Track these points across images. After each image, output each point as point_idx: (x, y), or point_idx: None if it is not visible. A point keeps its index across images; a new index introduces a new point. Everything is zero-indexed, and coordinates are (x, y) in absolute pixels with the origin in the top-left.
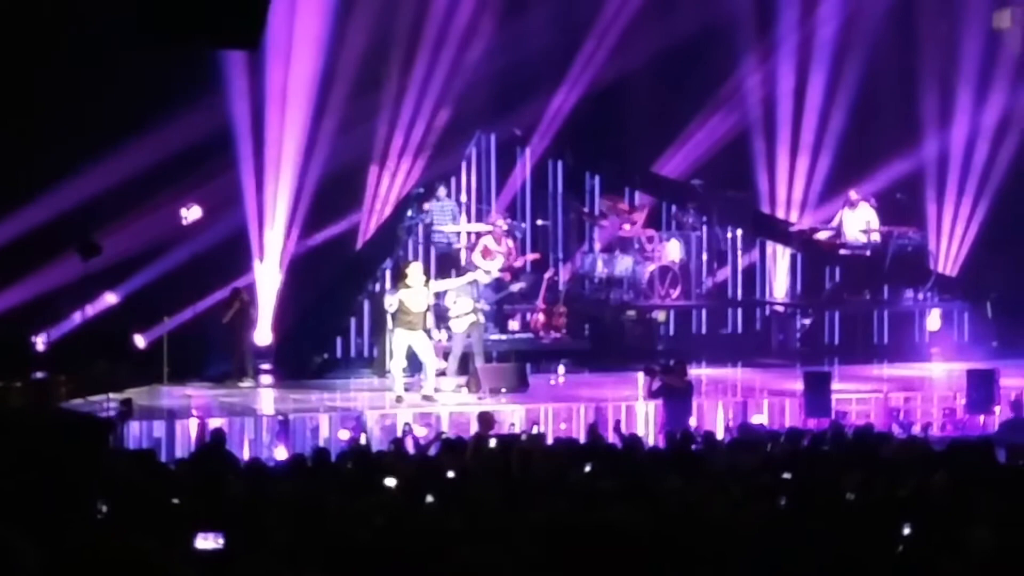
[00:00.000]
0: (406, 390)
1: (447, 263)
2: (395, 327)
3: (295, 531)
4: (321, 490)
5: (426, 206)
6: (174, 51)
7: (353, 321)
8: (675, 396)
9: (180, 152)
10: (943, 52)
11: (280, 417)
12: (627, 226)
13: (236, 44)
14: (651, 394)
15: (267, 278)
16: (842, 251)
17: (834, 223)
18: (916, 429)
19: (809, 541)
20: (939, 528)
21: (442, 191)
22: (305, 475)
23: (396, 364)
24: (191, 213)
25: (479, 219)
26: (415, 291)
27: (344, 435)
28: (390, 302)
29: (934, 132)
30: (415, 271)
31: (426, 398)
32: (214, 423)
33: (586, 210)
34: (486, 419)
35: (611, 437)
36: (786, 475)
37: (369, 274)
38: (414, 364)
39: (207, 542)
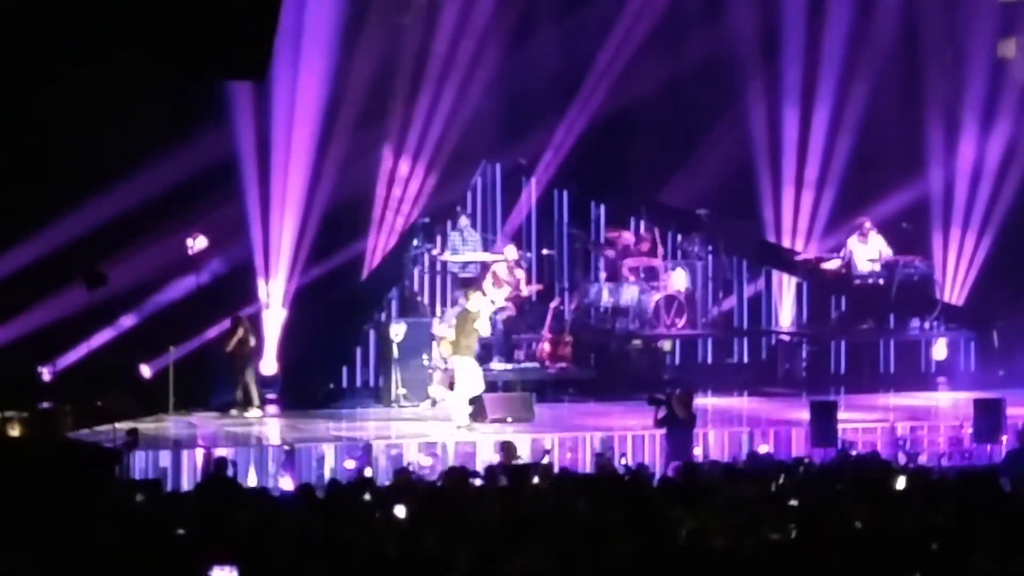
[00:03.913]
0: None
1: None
2: (461, 353)
3: (306, 562)
4: (332, 521)
5: (451, 233)
6: (181, 82)
7: (359, 351)
8: (678, 426)
9: (186, 182)
10: (948, 81)
11: (286, 447)
12: (633, 262)
13: (242, 75)
14: (656, 423)
15: (272, 307)
16: (856, 281)
17: (843, 252)
18: (922, 459)
19: (817, 571)
20: (945, 558)
21: (464, 220)
22: (315, 506)
23: (469, 390)
24: (197, 243)
25: (485, 248)
26: (483, 318)
27: (350, 465)
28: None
29: (939, 161)
30: (481, 298)
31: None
32: (219, 453)
33: (593, 241)
34: (509, 448)
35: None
36: (792, 502)
37: (375, 304)
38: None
39: (222, 574)
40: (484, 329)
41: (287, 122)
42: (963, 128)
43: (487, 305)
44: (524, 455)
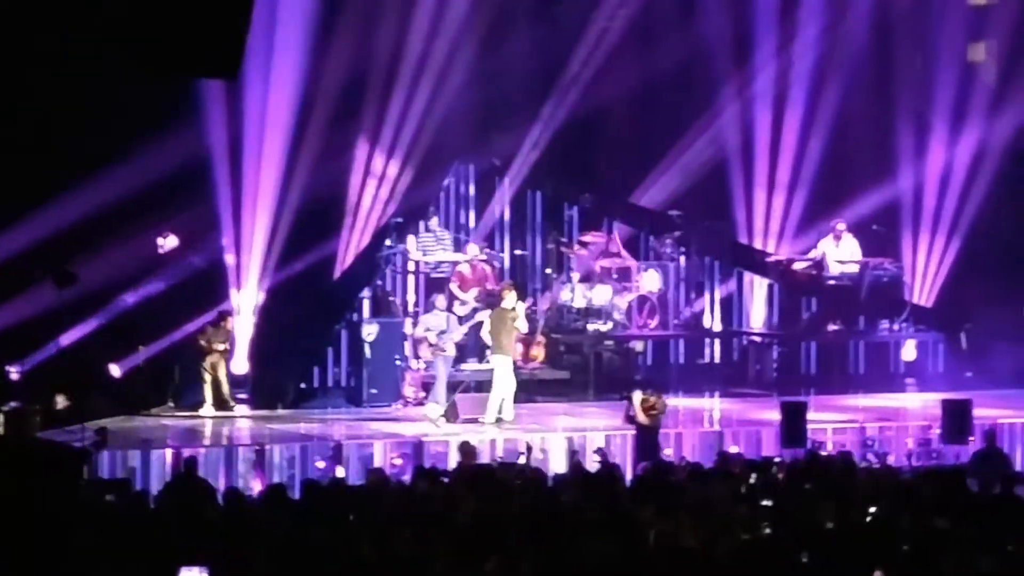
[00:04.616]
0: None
1: (435, 292)
2: (502, 353)
3: (277, 562)
4: (304, 521)
5: (423, 234)
6: (152, 80)
7: (331, 351)
8: (644, 426)
9: (157, 181)
10: (918, 85)
11: (256, 447)
12: (606, 263)
13: (215, 73)
14: (627, 419)
15: (244, 307)
16: (826, 282)
17: (815, 253)
18: (891, 459)
19: (788, 571)
20: (914, 558)
21: (435, 221)
22: (286, 506)
23: (506, 391)
24: (168, 242)
25: (457, 249)
26: (521, 315)
27: (321, 464)
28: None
29: (910, 164)
30: (516, 295)
31: (500, 421)
32: (189, 453)
33: (564, 240)
34: (467, 449)
35: (591, 465)
36: (765, 502)
37: (347, 304)
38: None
39: (192, 574)
40: (523, 326)
41: (259, 121)
42: (933, 131)
43: (522, 303)
44: (500, 454)
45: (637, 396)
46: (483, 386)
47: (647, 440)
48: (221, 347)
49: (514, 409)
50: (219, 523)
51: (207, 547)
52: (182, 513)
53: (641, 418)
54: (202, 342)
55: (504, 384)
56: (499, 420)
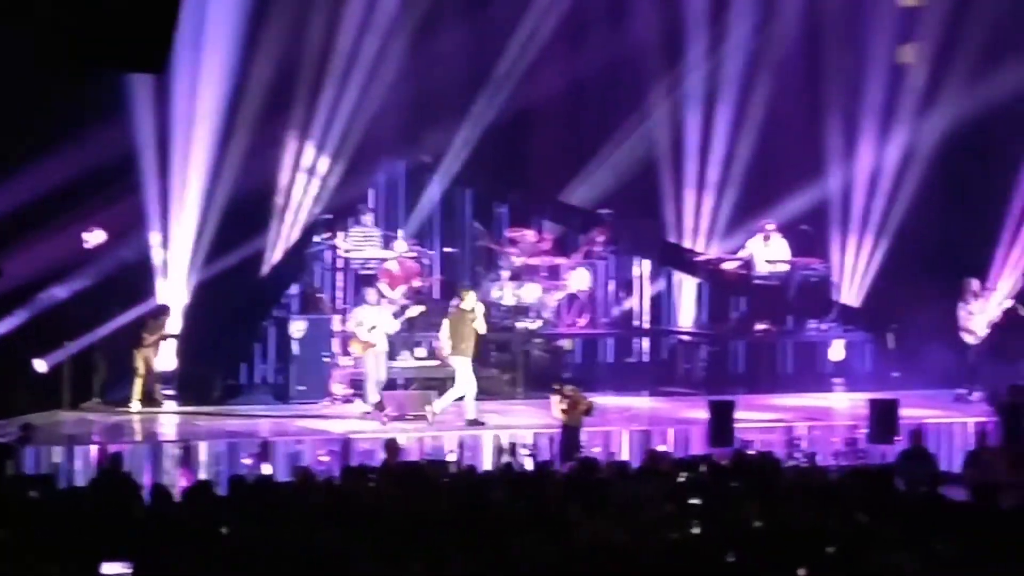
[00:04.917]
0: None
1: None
2: (461, 354)
3: (203, 558)
4: (228, 518)
5: (352, 230)
6: (79, 73)
7: (258, 347)
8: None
9: (83, 175)
10: (848, 86)
11: (183, 443)
12: (535, 261)
13: (141, 67)
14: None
15: (171, 303)
16: (755, 282)
17: (743, 253)
18: (818, 458)
19: (715, 569)
20: (840, 557)
21: (368, 217)
22: (212, 502)
23: (468, 391)
24: (94, 237)
25: (385, 246)
26: (480, 316)
27: (247, 461)
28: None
29: (839, 165)
30: (475, 296)
31: (474, 423)
32: (114, 448)
33: (494, 237)
34: (392, 447)
35: (521, 463)
36: (693, 501)
37: (275, 300)
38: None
39: (113, 569)
40: (481, 327)
41: (188, 115)
42: (862, 132)
43: (480, 304)
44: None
45: (555, 399)
46: (411, 383)
47: (569, 438)
48: (159, 341)
49: (476, 408)
50: (143, 519)
51: (131, 543)
52: (106, 509)
53: (561, 416)
54: (145, 334)
55: (465, 383)
56: (475, 422)
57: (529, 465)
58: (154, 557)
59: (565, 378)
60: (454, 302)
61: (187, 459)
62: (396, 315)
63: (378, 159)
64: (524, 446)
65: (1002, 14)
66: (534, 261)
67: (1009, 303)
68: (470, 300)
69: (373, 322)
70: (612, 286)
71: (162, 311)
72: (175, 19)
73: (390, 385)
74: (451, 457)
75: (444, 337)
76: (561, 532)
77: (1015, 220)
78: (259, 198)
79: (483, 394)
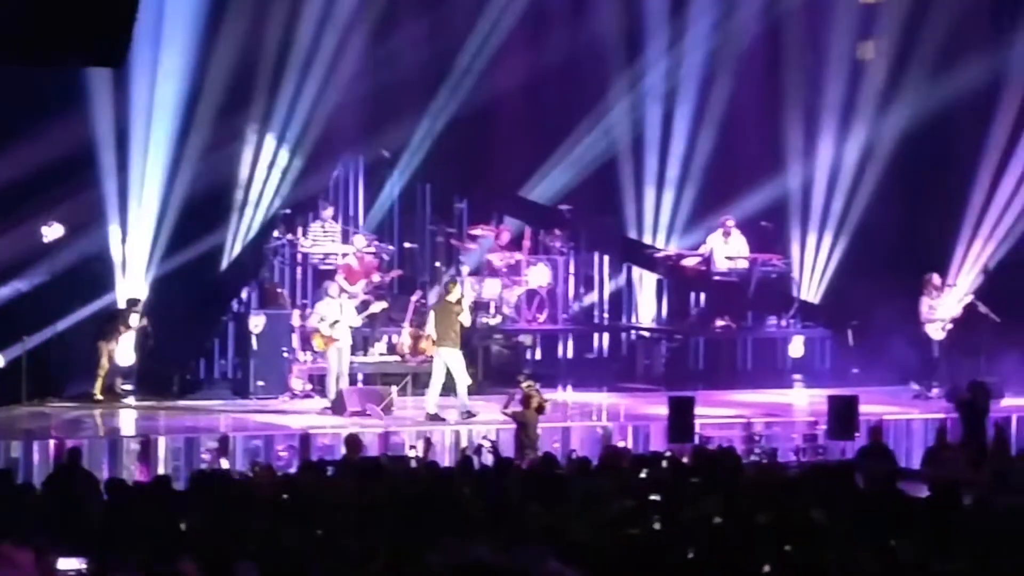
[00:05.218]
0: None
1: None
2: (448, 346)
3: (161, 552)
4: (187, 513)
5: (312, 225)
6: (37, 68)
7: (217, 342)
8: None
9: (42, 169)
10: (808, 82)
11: (142, 438)
12: (495, 257)
13: (101, 61)
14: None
15: (141, 295)
16: (715, 278)
17: (703, 249)
18: (778, 454)
19: (675, 565)
20: (799, 553)
21: (327, 212)
22: (171, 497)
23: (462, 380)
24: (52, 231)
25: (345, 241)
26: (466, 309)
27: (206, 457)
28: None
29: (798, 161)
30: (460, 288)
31: (469, 414)
32: (72, 443)
33: (453, 232)
34: (353, 442)
35: (482, 458)
36: (653, 497)
37: (234, 295)
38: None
39: (71, 565)
40: (467, 320)
41: (147, 109)
42: (822, 128)
43: (469, 295)
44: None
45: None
46: (371, 379)
47: (524, 435)
48: (126, 334)
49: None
50: (101, 514)
51: (88, 538)
52: (63, 504)
53: (512, 413)
54: (120, 326)
55: (458, 375)
56: (468, 413)
57: (490, 461)
58: (112, 552)
59: (525, 373)
60: (436, 292)
61: (146, 454)
62: (358, 310)
63: (338, 154)
64: (486, 439)
65: (961, 11)
66: (494, 257)
67: (969, 299)
68: (456, 292)
69: (335, 316)
70: (572, 282)
71: (133, 304)
72: (133, 14)
73: (351, 380)
74: (412, 453)
75: (430, 329)
76: (519, 527)
77: (974, 216)
78: (218, 193)
79: (444, 390)
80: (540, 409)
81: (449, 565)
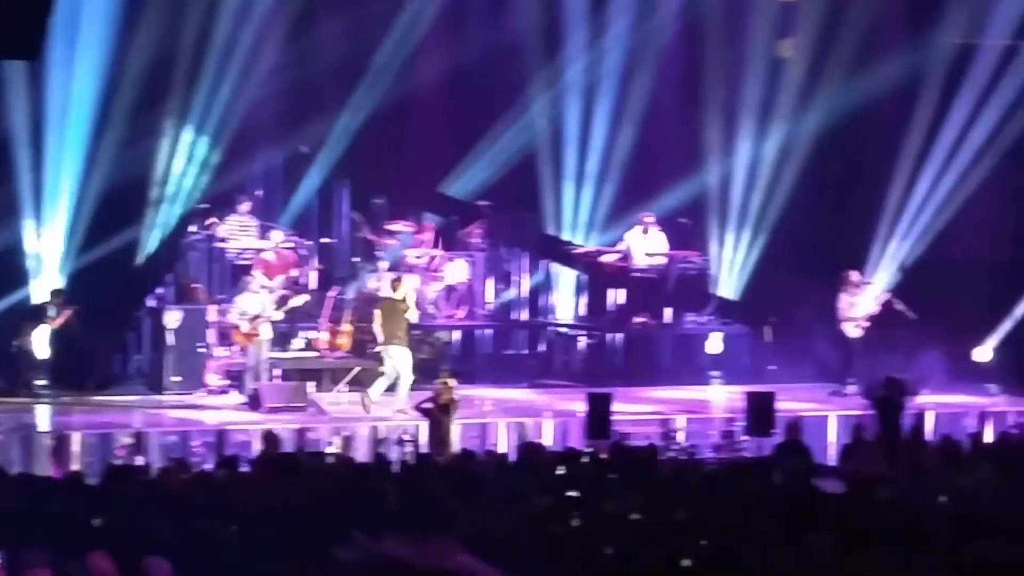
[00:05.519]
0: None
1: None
2: (396, 343)
3: (74, 547)
4: (101, 509)
5: (229, 219)
6: None
7: (132, 337)
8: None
9: None
10: (727, 80)
11: (55, 434)
12: (414, 253)
13: (16, 54)
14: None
15: (45, 292)
16: (634, 274)
17: (622, 246)
18: (696, 451)
19: (593, 562)
20: (717, 549)
21: (245, 207)
22: (85, 492)
23: (406, 377)
24: None
25: (263, 236)
26: (413, 305)
27: (120, 452)
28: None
29: (717, 158)
30: (408, 284)
31: (403, 413)
32: None
33: (372, 228)
34: (270, 438)
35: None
36: (572, 493)
37: (150, 289)
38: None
39: None
40: (414, 316)
41: (63, 102)
42: (740, 126)
43: (412, 292)
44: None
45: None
46: (288, 375)
47: (437, 431)
48: (42, 327)
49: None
50: (13, 511)
51: (2, 534)
52: None
53: (427, 408)
54: (50, 317)
55: (403, 371)
56: (402, 412)
57: (410, 456)
58: (23, 547)
59: (445, 370)
60: (355, 287)
61: (59, 450)
62: (279, 305)
63: (256, 149)
64: (407, 434)
65: (878, 10)
66: (413, 253)
67: (886, 296)
68: (402, 290)
69: (256, 311)
70: (490, 278)
71: (56, 295)
72: (49, 6)
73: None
74: (330, 448)
75: (376, 328)
76: (437, 524)
77: (891, 214)
78: (135, 187)
79: (363, 385)
80: (445, 408)
81: (357, 559)
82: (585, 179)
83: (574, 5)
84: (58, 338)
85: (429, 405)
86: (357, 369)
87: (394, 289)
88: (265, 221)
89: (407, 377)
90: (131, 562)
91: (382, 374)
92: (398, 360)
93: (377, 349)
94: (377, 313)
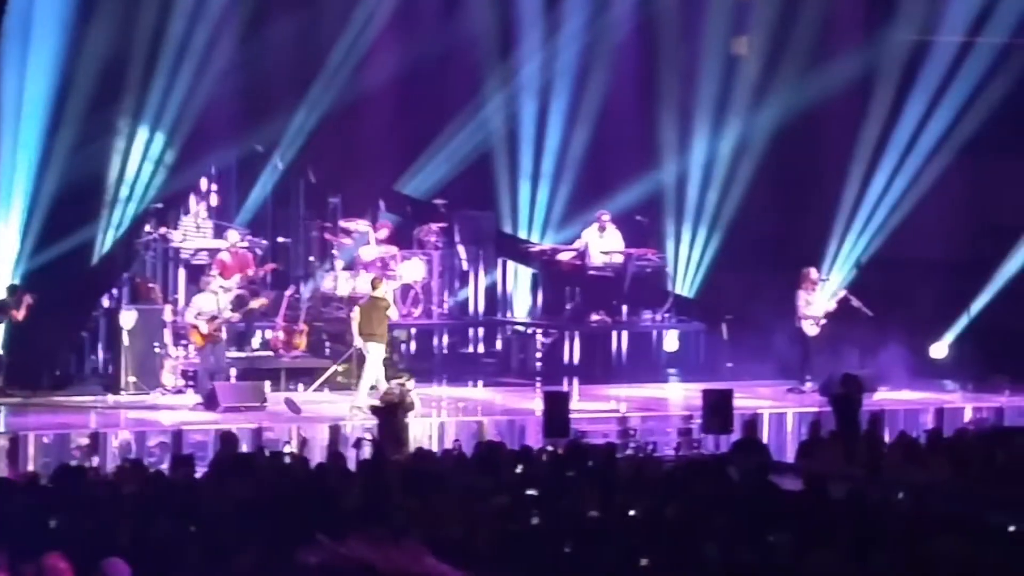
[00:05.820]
0: None
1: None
2: (374, 341)
3: (29, 547)
4: (56, 510)
5: (184, 219)
6: None
7: (88, 338)
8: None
9: None
10: (682, 77)
11: (9, 435)
12: (370, 249)
13: None
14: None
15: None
16: (590, 272)
17: (578, 243)
18: (653, 448)
19: (552, 560)
20: (675, 546)
21: (200, 206)
22: (40, 493)
23: (378, 376)
24: None
25: (218, 235)
26: (393, 304)
27: (76, 453)
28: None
29: (673, 156)
30: (388, 285)
31: (358, 409)
32: None
33: (327, 225)
34: (228, 438)
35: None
36: (530, 492)
37: (105, 289)
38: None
39: None
40: (395, 314)
41: (16, 103)
42: (696, 123)
43: (391, 292)
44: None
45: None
46: (244, 374)
47: (391, 431)
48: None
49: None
50: None
51: None
52: None
53: (380, 408)
54: (13, 312)
55: (376, 369)
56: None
57: (368, 456)
58: None
59: (401, 368)
60: (310, 287)
61: (14, 451)
62: (236, 306)
63: (210, 148)
64: (367, 433)
65: (833, 7)
66: (368, 251)
67: (843, 293)
68: (382, 289)
69: (212, 311)
70: (446, 277)
71: (12, 292)
72: (2, 6)
73: (223, 376)
74: (286, 448)
75: (355, 326)
76: (395, 522)
77: (847, 211)
78: (89, 187)
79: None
80: (400, 407)
81: (319, 562)
82: (541, 177)
83: (528, 4)
84: (20, 332)
85: (384, 404)
86: (333, 369)
87: (374, 287)
88: (220, 221)
89: (373, 375)
90: (88, 563)
91: (359, 378)
92: (372, 356)
93: (356, 346)
94: (356, 311)
